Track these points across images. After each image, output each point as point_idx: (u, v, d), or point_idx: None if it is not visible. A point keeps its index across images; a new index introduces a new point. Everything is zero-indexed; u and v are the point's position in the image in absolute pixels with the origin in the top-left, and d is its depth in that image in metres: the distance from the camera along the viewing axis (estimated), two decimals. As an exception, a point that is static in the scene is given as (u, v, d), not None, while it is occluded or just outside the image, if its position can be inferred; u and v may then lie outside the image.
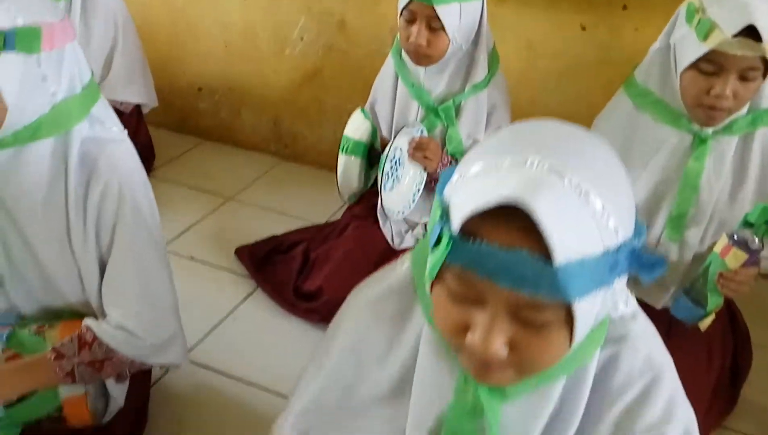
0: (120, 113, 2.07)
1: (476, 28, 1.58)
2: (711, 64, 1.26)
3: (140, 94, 2.18)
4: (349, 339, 0.82)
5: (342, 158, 1.66)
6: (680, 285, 1.47)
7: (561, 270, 0.55)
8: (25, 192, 1.01)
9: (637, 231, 0.61)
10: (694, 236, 1.47)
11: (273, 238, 1.97)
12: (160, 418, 1.37)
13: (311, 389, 0.86)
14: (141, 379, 1.25)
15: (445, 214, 0.60)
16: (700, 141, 1.40)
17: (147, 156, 2.33)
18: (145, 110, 2.27)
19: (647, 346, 0.72)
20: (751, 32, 1.21)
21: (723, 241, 1.29)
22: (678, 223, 1.47)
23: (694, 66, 1.28)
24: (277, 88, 2.40)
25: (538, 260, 0.55)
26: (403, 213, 1.67)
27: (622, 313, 0.70)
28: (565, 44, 1.95)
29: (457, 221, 0.58)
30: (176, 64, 2.47)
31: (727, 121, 1.37)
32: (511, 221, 0.56)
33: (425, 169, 1.66)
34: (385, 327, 0.79)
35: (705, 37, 1.25)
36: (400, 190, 1.66)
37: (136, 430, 1.28)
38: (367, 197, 1.81)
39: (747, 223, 1.29)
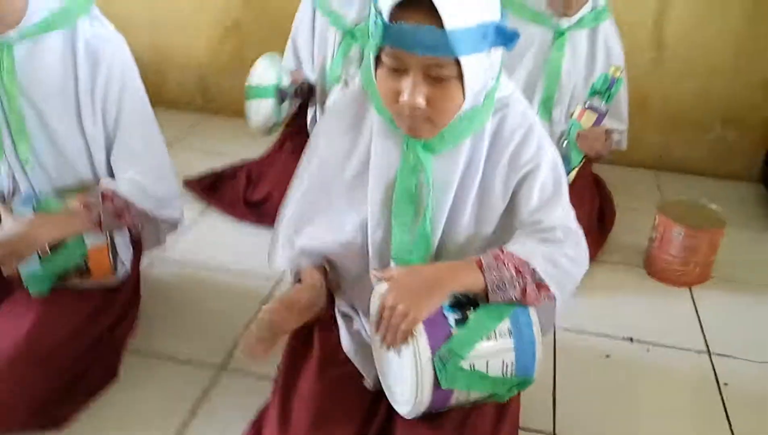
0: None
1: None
2: None
3: None
4: (319, 149, 1.14)
5: (252, 104, 1.93)
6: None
7: (450, 34, 0.87)
8: (42, 79, 1.23)
9: (502, 15, 0.96)
10: (559, 114, 1.89)
11: (216, 171, 2.23)
12: (150, 295, 1.61)
13: (296, 195, 1.17)
14: (135, 259, 1.49)
15: (378, 13, 0.93)
16: (559, 34, 1.82)
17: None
18: None
19: (522, 108, 1.06)
20: None
21: (578, 109, 1.72)
22: (547, 104, 1.89)
23: None
24: (200, 46, 2.64)
25: (437, 30, 0.87)
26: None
27: (504, 93, 1.06)
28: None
29: (385, 13, 0.90)
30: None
31: (576, 18, 1.79)
32: (418, 7, 0.88)
33: None
34: (347, 128, 1.10)
35: None
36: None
37: (134, 300, 1.52)
38: (299, 119, 2.12)
39: (594, 92, 1.70)
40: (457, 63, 0.90)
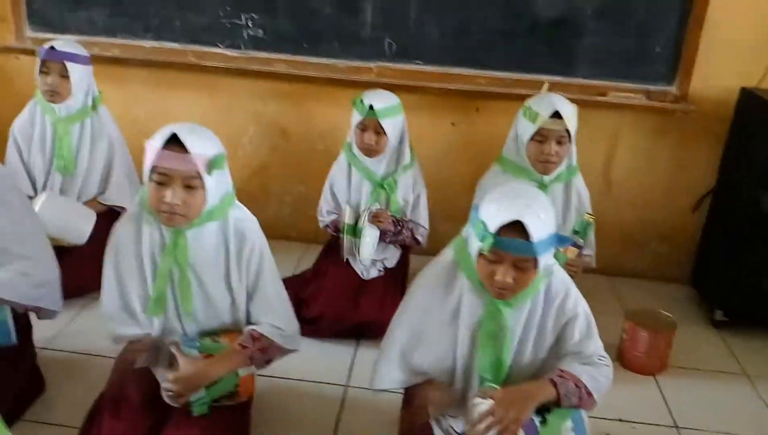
0: (117, 214, 2.67)
1: (402, 130, 2.49)
2: (540, 136, 2.26)
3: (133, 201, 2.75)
4: (420, 301, 1.64)
5: (343, 237, 2.50)
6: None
7: (535, 244, 1.41)
8: (204, 255, 1.66)
9: (557, 228, 1.50)
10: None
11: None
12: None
13: (399, 332, 1.65)
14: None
15: (483, 225, 1.45)
16: (542, 186, 2.39)
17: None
18: None
19: (561, 274, 1.61)
20: (558, 115, 2.24)
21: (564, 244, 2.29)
22: (536, 238, 2.45)
23: (532, 139, 2.28)
24: (232, 180, 3.08)
25: (526, 242, 1.41)
26: (369, 257, 2.49)
27: (548, 263, 1.60)
28: (443, 135, 2.95)
29: (492, 229, 1.43)
30: (139, 170, 3.05)
31: (555, 174, 2.39)
32: (514, 226, 1.41)
33: (378, 228, 2.49)
34: (441, 289, 1.61)
35: (534, 120, 2.26)
36: (365, 242, 2.48)
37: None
38: (336, 251, 2.60)
39: (575, 232, 2.28)
40: (536, 258, 1.44)
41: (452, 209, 2.91)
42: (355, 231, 2.49)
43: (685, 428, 2.12)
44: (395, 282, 2.57)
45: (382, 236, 2.52)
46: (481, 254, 1.48)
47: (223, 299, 1.73)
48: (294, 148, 3.05)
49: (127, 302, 1.72)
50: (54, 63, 2.48)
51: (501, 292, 1.49)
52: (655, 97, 2.75)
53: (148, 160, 1.57)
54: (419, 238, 2.59)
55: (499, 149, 2.59)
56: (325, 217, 2.63)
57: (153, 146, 1.55)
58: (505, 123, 2.73)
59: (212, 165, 1.58)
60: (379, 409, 2.04)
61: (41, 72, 2.50)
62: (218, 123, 3.02)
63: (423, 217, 2.60)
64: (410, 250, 2.68)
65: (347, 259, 2.54)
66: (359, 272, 2.52)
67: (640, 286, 3.04)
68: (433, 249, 2.68)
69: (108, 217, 2.60)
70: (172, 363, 1.68)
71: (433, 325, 1.62)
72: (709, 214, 2.88)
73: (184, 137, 1.54)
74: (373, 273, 2.54)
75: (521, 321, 1.57)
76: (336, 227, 2.58)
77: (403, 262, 2.64)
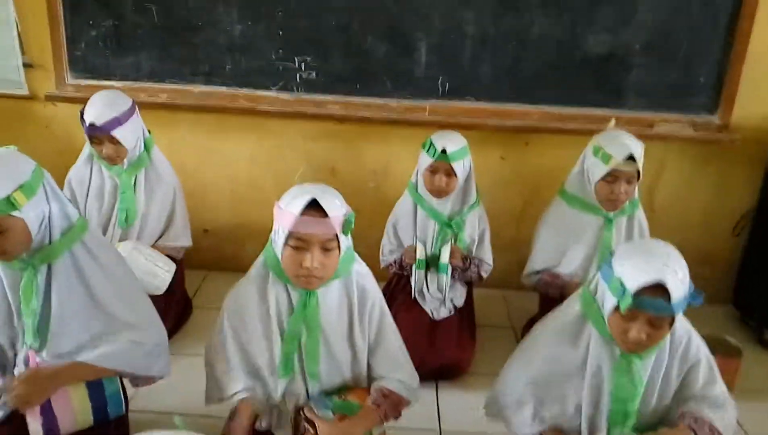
0: (174, 259, 2.63)
1: (469, 170, 2.53)
2: (611, 177, 2.34)
3: (189, 238, 2.72)
4: (546, 352, 1.68)
5: (415, 271, 2.49)
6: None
7: (673, 305, 1.46)
8: (329, 311, 1.67)
9: (691, 285, 1.55)
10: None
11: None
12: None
13: (530, 381, 1.68)
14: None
15: (621, 284, 1.50)
16: (608, 221, 2.47)
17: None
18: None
19: (683, 323, 1.66)
20: (631, 157, 2.31)
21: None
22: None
23: (603, 179, 2.36)
24: (278, 220, 3.08)
25: (666, 302, 1.46)
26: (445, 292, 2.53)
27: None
28: (492, 168, 3.00)
29: (632, 289, 1.47)
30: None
31: (620, 208, 2.47)
32: (655, 288, 1.46)
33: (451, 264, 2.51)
34: (568, 341, 1.65)
35: (607, 162, 2.33)
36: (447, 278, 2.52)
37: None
38: (401, 291, 2.61)
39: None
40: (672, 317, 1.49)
41: (500, 240, 2.97)
42: (428, 266, 2.50)
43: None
44: (467, 320, 2.61)
45: (452, 273, 2.55)
46: (616, 310, 1.52)
47: (345, 355, 1.74)
48: (343, 187, 3.00)
49: (253, 366, 1.71)
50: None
51: (634, 348, 1.54)
52: (700, 127, 2.85)
53: (284, 225, 1.58)
54: (483, 274, 2.63)
55: (547, 182, 2.66)
56: (387, 257, 2.65)
57: (290, 213, 1.56)
58: (553, 156, 2.83)
59: (348, 225, 1.59)
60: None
61: (92, 142, 2.45)
62: (267, 163, 3.03)
63: (487, 254, 2.64)
64: (473, 286, 2.72)
65: (415, 299, 2.56)
66: (429, 312, 2.55)
67: (683, 308, 3.13)
68: (485, 280, 2.75)
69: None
70: (298, 425, 1.68)
71: (559, 377, 1.66)
72: (751, 235, 3.00)
73: (321, 200, 1.56)
74: (443, 313, 2.56)
75: (648, 371, 1.62)
76: (400, 265, 2.59)
77: (469, 300, 2.68)
